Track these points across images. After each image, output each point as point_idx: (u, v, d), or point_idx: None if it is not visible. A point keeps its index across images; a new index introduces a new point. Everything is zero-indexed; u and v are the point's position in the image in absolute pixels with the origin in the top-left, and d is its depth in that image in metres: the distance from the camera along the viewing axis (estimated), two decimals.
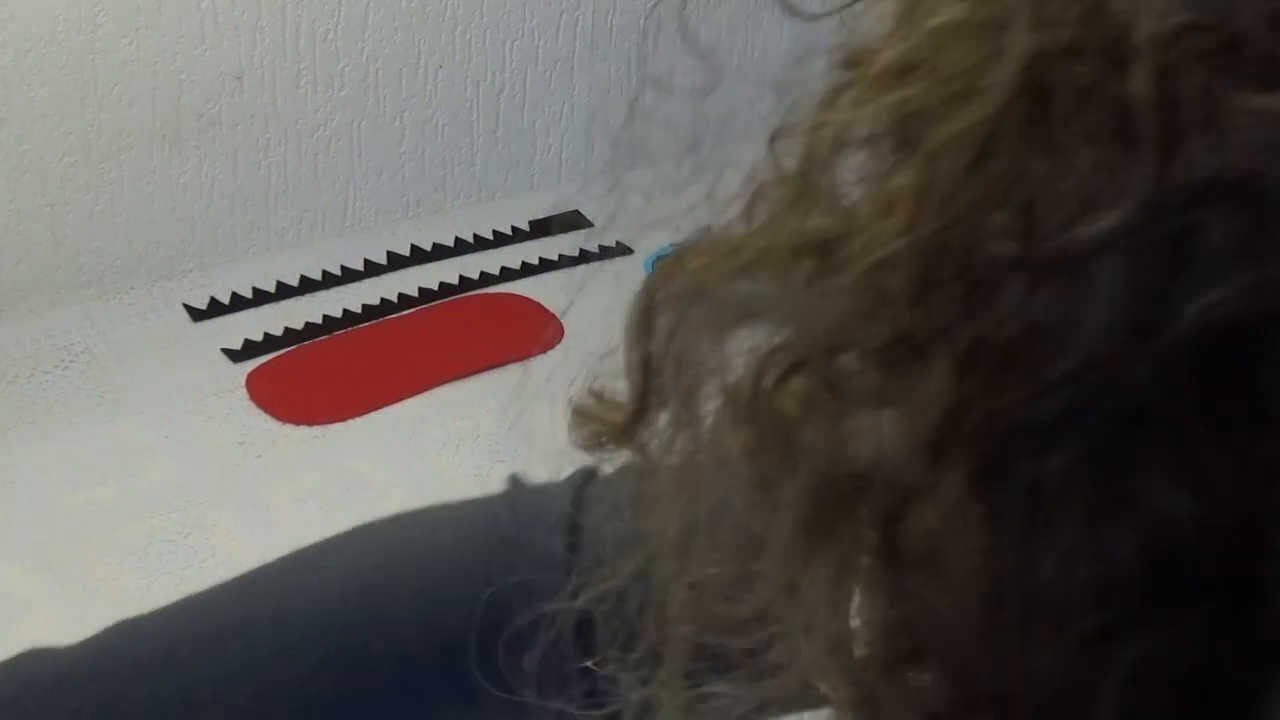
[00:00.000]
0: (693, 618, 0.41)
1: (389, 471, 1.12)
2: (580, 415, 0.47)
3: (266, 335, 1.26)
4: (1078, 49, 0.31)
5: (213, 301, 1.30)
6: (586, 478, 0.59)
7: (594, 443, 0.45)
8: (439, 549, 0.58)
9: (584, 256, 1.39)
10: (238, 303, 1.30)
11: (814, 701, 0.40)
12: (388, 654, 0.56)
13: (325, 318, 1.29)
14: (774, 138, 0.38)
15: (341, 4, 1.31)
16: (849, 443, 0.34)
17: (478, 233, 1.42)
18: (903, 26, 0.35)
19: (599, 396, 0.47)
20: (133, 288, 1.31)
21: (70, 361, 1.22)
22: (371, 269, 1.36)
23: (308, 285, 1.33)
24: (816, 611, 0.36)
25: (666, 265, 0.42)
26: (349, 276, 1.35)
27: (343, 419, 1.18)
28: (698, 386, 0.40)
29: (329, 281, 1.34)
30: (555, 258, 1.39)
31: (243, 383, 1.21)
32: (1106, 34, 0.31)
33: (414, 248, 1.39)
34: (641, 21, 1.49)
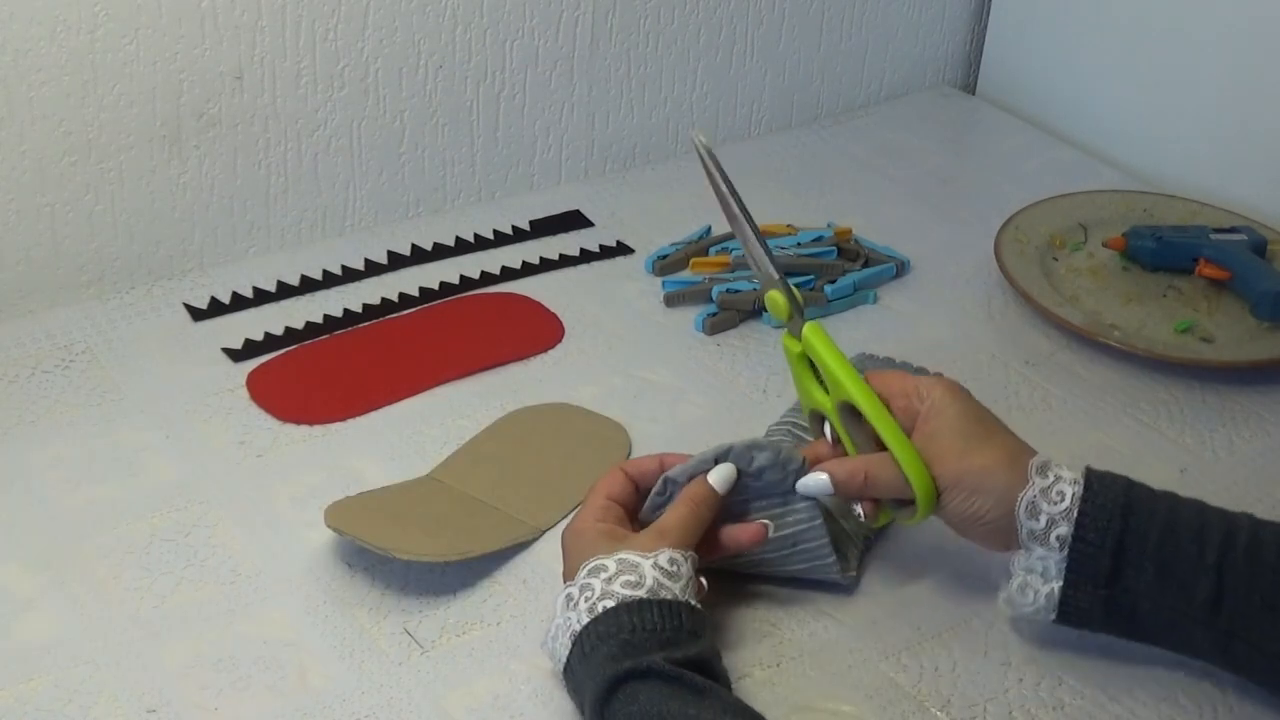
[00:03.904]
0: None
1: (389, 471, 1.12)
2: None
3: (267, 335, 1.26)
4: None
5: (213, 301, 1.30)
6: None
7: None
8: None
9: (584, 256, 1.39)
10: (238, 302, 1.30)
11: None
12: None
13: (325, 317, 1.29)
14: None
15: (341, 4, 1.31)
16: None
17: (478, 232, 1.42)
18: None
19: None
20: (133, 288, 1.31)
21: (70, 361, 1.22)
22: (371, 269, 1.36)
23: (308, 285, 1.33)
24: None
25: None
26: (349, 276, 1.35)
27: (343, 419, 1.18)
28: None
29: (329, 281, 1.34)
30: (555, 257, 1.39)
31: (243, 382, 1.21)
32: None
33: (414, 248, 1.39)
34: (641, 21, 1.49)
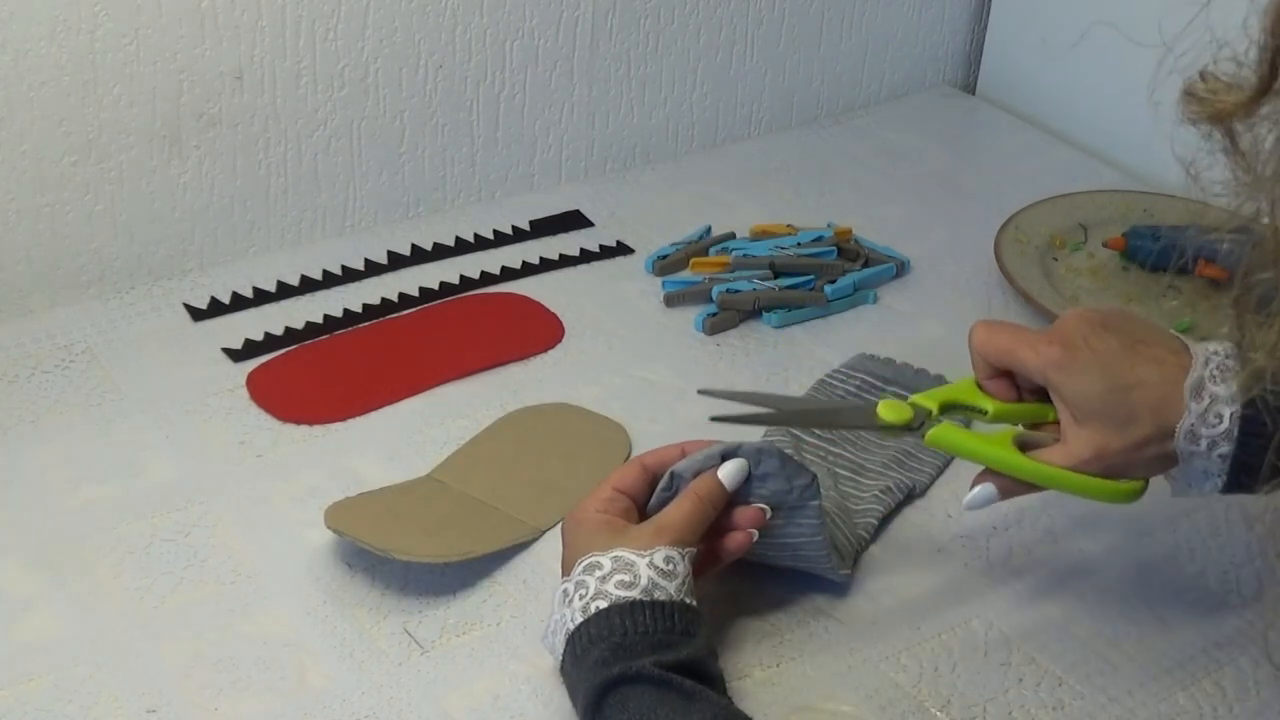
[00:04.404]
0: None
1: (389, 471, 1.12)
2: (1192, 96, 0.60)
3: (267, 335, 1.26)
4: None
5: (213, 301, 1.30)
6: None
7: (1202, 118, 0.59)
8: None
9: (584, 256, 1.39)
10: (238, 302, 1.30)
11: None
12: None
13: (325, 317, 1.29)
14: None
15: (341, 4, 1.31)
16: None
17: (478, 232, 1.42)
18: None
19: (1210, 80, 0.59)
20: (133, 288, 1.31)
21: (70, 361, 1.22)
22: (371, 269, 1.36)
23: (308, 285, 1.33)
24: None
25: None
26: (349, 276, 1.35)
27: (343, 419, 1.18)
28: None
29: (329, 281, 1.34)
30: (555, 258, 1.39)
31: (243, 382, 1.21)
32: None
33: (414, 248, 1.39)
34: (641, 21, 1.49)
